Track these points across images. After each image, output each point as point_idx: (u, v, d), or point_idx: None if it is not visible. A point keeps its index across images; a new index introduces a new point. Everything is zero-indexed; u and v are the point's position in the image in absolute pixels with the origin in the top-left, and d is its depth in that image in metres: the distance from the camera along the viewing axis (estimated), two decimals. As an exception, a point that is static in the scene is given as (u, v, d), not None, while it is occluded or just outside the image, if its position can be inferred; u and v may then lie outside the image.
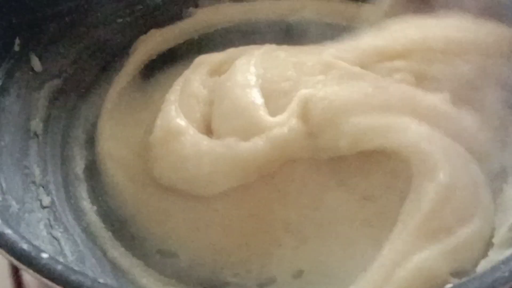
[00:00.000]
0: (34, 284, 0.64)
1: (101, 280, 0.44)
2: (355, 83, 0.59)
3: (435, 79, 0.58)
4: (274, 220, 0.60)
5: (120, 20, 0.72)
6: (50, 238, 0.57)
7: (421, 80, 0.59)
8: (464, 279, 0.45)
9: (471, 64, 0.58)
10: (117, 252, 0.61)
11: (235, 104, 0.61)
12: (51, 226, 0.58)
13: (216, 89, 0.64)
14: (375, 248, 0.54)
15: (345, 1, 0.74)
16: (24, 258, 0.45)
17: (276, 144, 0.58)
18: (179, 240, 0.61)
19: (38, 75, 0.65)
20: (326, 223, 0.60)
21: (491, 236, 0.54)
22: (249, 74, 0.62)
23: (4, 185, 0.56)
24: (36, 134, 0.63)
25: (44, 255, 0.44)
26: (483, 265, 0.52)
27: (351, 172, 0.60)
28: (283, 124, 0.59)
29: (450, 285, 0.44)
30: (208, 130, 0.62)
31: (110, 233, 0.62)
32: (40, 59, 0.65)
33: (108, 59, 0.71)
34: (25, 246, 0.45)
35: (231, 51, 0.67)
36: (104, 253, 0.60)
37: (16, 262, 0.45)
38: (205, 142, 0.60)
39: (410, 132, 0.56)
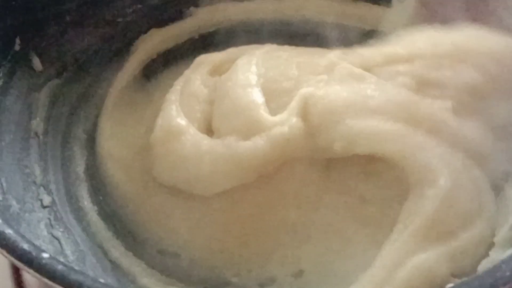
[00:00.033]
0: (34, 283, 0.64)
1: (101, 280, 0.44)
2: (356, 84, 0.59)
3: (439, 85, 0.57)
4: (274, 220, 0.60)
5: (120, 20, 0.72)
6: (51, 237, 0.57)
7: (424, 86, 0.58)
8: (464, 279, 0.45)
9: (480, 72, 0.57)
10: (117, 252, 0.61)
11: (235, 103, 0.61)
12: (51, 225, 0.58)
13: (217, 88, 0.64)
14: (375, 248, 0.54)
15: (345, 1, 0.74)
16: (25, 258, 0.45)
17: (276, 143, 0.58)
18: (180, 239, 0.61)
19: (39, 74, 0.65)
20: (326, 223, 0.60)
21: (493, 236, 0.54)
22: (250, 73, 0.62)
23: (4, 184, 0.56)
24: (36, 134, 0.63)
25: (45, 255, 0.44)
26: (484, 265, 0.52)
27: (350, 174, 0.60)
28: (283, 123, 0.58)
29: (451, 284, 0.44)
30: (209, 130, 0.62)
31: (110, 233, 0.62)
32: (40, 58, 0.65)
33: (109, 59, 0.71)
34: (25, 246, 0.45)
35: (231, 51, 0.67)
36: (105, 253, 0.60)
37: (16, 262, 0.45)
38: (205, 141, 0.60)
39: (403, 141, 0.55)
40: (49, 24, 0.66)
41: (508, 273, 0.42)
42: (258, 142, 0.58)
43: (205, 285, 0.60)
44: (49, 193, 0.61)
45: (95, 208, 0.63)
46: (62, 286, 0.43)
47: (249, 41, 0.69)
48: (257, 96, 0.61)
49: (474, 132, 0.55)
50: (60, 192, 0.62)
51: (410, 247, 0.52)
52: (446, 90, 0.56)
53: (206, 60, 0.66)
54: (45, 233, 0.57)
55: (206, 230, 0.61)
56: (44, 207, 0.59)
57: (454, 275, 0.51)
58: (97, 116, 0.68)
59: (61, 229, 0.59)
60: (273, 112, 0.60)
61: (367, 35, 0.72)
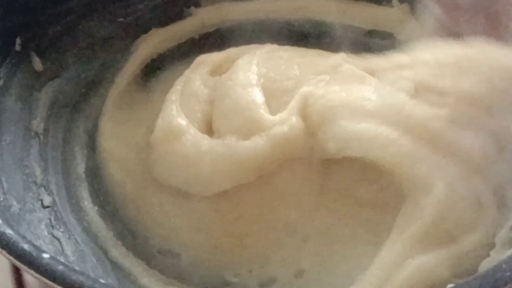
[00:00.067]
0: (35, 284, 0.64)
1: (102, 280, 0.44)
2: (356, 85, 0.59)
3: (439, 92, 0.56)
4: (275, 220, 0.60)
5: (121, 20, 0.72)
6: (51, 238, 0.57)
7: (423, 92, 0.56)
8: (465, 279, 0.45)
9: (483, 83, 0.55)
10: (118, 252, 0.61)
11: (235, 103, 0.61)
12: (52, 226, 0.58)
13: (217, 88, 0.64)
14: (375, 249, 0.54)
15: (345, 1, 0.74)
16: (25, 259, 0.45)
17: (276, 143, 0.58)
18: (180, 240, 0.61)
19: (39, 74, 0.65)
20: (326, 223, 0.60)
21: (493, 238, 0.54)
22: (251, 73, 0.62)
23: (5, 185, 0.56)
24: (37, 134, 0.63)
25: (45, 256, 0.44)
26: (484, 265, 0.51)
27: (348, 175, 0.60)
28: (283, 122, 0.59)
29: (451, 285, 0.44)
30: (209, 130, 0.62)
31: (111, 233, 0.62)
32: (41, 58, 0.65)
33: (109, 59, 0.71)
34: (26, 246, 0.45)
35: (232, 51, 0.67)
36: (105, 253, 0.60)
37: (16, 263, 0.45)
38: (205, 141, 0.60)
39: (393, 147, 0.54)
40: (49, 24, 0.66)
41: (508, 273, 0.42)
42: (258, 142, 0.58)
43: (205, 285, 0.59)
44: (50, 193, 0.61)
45: (96, 208, 0.63)
46: (63, 286, 0.43)
47: (249, 41, 0.69)
48: (257, 96, 0.61)
49: (472, 142, 0.54)
50: (61, 192, 0.62)
51: (408, 251, 0.52)
52: (445, 97, 0.55)
53: (206, 60, 0.66)
54: (45, 233, 0.57)
55: (206, 230, 0.61)
56: (45, 207, 0.59)
57: (455, 276, 0.51)
58: (97, 116, 0.68)
59: (61, 229, 0.59)
60: (274, 112, 0.60)
61: (367, 35, 0.72)
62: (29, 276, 0.62)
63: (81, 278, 0.43)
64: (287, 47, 0.67)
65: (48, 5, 0.65)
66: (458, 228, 0.52)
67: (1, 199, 0.54)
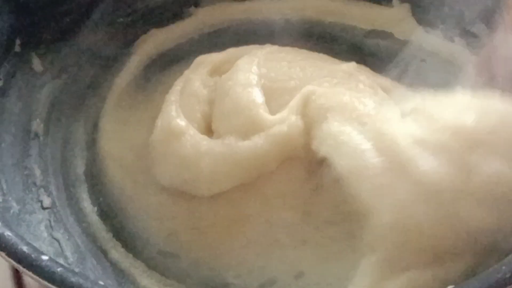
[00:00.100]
0: (35, 285, 0.64)
1: (101, 282, 0.44)
2: (353, 85, 0.59)
3: (429, 117, 0.53)
4: (275, 220, 0.60)
5: (120, 20, 0.72)
6: (51, 239, 0.57)
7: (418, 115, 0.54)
8: (465, 281, 0.45)
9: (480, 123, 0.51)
10: (117, 253, 0.61)
11: (235, 102, 0.61)
12: (51, 227, 0.58)
13: (217, 88, 0.64)
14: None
15: (345, 1, 0.74)
16: (24, 261, 0.45)
17: (276, 142, 0.58)
18: (180, 240, 0.61)
19: (39, 75, 0.65)
20: (327, 223, 0.60)
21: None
22: (251, 73, 0.62)
23: (4, 186, 0.56)
24: (36, 135, 0.63)
25: (44, 257, 0.44)
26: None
27: None
28: (282, 121, 0.59)
29: (451, 286, 0.44)
30: (209, 130, 0.62)
31: (110, 234, 0.62)
32: (40, 59, 0.65)
33: (109, 59, 0.71)
34: (25, 248, 0.45)
35: (231, 51, 0.67)
36: (105, 254, 0.60)
37: (16, 265, 0.45)
38: (205, 142, 0.60)
39: (355, 160, 0.53)
40: (49, 25, 0.66)
41: (508, 275, 0.42)
42: (257, 142, 0.59)
43: (205, 286, 0.59)
44: (49, 194, 0.61)
45: (95, 209, 0.63)
46: (61, 288, 0.43)
47: (249, 41, 0.69)
48: (257, 96, 0.61)
49: (433, 168, 0.50)
50: (60, 193, 0.62)
51: (384, 274, 0.51)
52: (433, 123, 0.53)
53: (206, 60, 0.66)
54: (45, 234, 0.57)
55: (206, 231, 0.61)
56: (44, 208, 0.59)
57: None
58: (97, 117, 0.68)
59: (61, 231, 0.59)
60: (274, 112, 0.60)
61: (367, 35, 0.72)
62: (29, 278, 0.62)
63: (80, 280, 0.43)
64: (287, 48, 0.67)
65: (48, 6, 0.65)
66: (434, 255, 0.50)
67: (1, 200, 0.55)
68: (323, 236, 0.59)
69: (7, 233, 0.46)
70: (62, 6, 0.66)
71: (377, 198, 0.52)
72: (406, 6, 0.71)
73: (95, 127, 0.68)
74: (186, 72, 0.66)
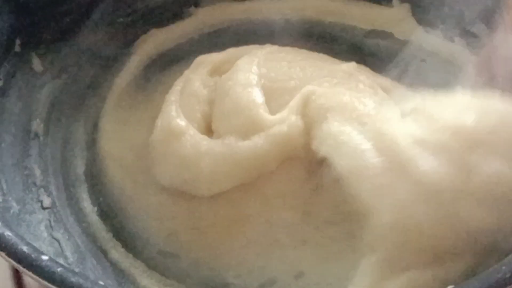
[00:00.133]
0: (35, 285, 0.64)
1: (101, 282, 0.44)
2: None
3: (429, 117, 0.53)
4: (275, 220, 0.60)
5: (120, 20, 0.72)
6: (51, 239, 0.57)
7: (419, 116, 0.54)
8: (465, 281, 0.45)
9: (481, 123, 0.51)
10: (117, 253, 0.61)
11: (235, 102, 0.61)
12: (51, 227, 0.58)
13: (217, 88, 0.64)
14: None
15: (345, 1, 0.74)
16: (24, 261, 0.45)
17: (276, 142, 0.58)
18: (180, 240, 0.61)
19: (39, 75, 0.65)
20: (327, 223, 0.60)
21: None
22: (251, 73, 0.62)
23: (4, 186, 0.56)
24: (37, 135, 0.63)
25: (44, 257, 0.44)
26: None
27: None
28: (282, 121, 0.59)
29: (451, 286, 0.44)
30: (209, 130, 0.62)
31: (110, 234, 0.62)
32: (40, 59, 0.65)
33: (109, 59, 0.71)
34: (25, 248, 0.45)
35: (231, 51, 0.67)
36: (105, 254, 0.60)
37: (15, 265, 0.45)
38: (205, 142, 0.60)
39: (355, 160, 0.53)
40: (49, 25, 0.66)
41: (508, 275, 0.42)
42: (257, 142, 0.59)
43: (205, 286, 0.59)
44: (49, 194, 0.61)
45: (95, 209, 0.63)
46: (61, 288, 0.43)
47: (249, 41, 0.69)
48: (257, 96, 0.61)
49: (433, 169, 0.50)
50: (60, 193, 0.62)
51: (384, 274, 0.51)
52: (433, 123, 0.52)
53: (206, 60, 0.66)
54: (45, 234, 0.57)
55: (206, 231, 0.61)
56: (44, 208, 0.59)
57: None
58: (97, 117, 0.68)
59: (61, 231, 0.59)
60: (274, 112, 0.60)
61: (367, 35, 0.72)
62: (29, 278, 0.62)
63: (80, 280, 0.43)
64: (287, 48, 0.67)
65: (48, 6, 0.65)
66: (436, 254, 0.50)
67: (1, 200, 0.55)
68: (323, 236, 0.59)
69: (7, 233, 0.46)
70: (62, 6, 0.66)
71: (377, 198, 0.52)
72: (406, 6, 0.71)
73: (95, 127, 0.68)
74: (186, 72, 0.66)
